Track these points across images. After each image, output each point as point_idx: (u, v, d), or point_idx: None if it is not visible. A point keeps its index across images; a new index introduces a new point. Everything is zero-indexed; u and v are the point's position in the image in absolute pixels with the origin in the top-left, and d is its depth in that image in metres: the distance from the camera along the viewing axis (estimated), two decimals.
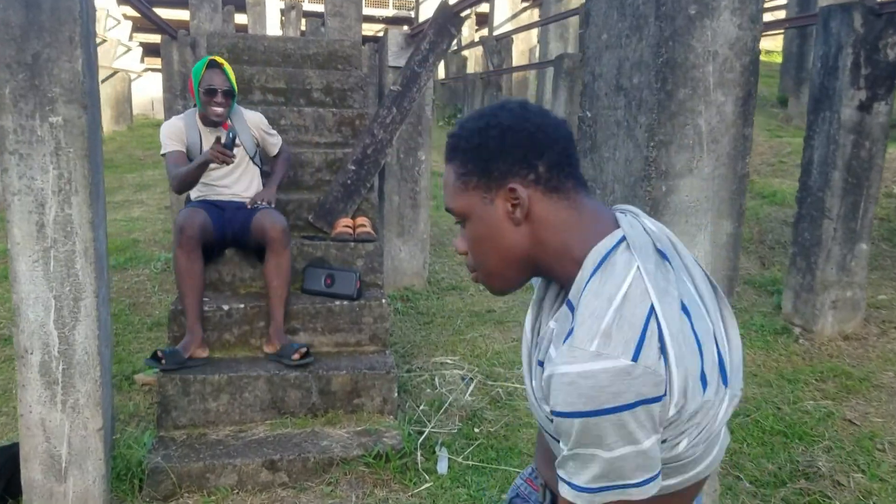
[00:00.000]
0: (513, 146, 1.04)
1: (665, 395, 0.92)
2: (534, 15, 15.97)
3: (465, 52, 17.26)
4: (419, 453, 3.23)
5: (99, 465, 2.74)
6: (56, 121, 2.54)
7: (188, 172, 3.49)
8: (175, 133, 3.67)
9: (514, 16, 16.05)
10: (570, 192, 1.06)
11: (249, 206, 3.62)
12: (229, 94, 3.58)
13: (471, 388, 3.87)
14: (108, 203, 9.40)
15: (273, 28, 15.42)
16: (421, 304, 5.21)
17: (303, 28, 14.32)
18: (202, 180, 3.71)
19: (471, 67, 16.62)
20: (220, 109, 3.56)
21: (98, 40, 14.77)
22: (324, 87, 5.07)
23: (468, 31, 18.64)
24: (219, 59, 3.59)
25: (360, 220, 4.08)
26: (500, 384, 3.89)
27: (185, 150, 3.66)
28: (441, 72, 18.13)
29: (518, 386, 3.86)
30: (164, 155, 3.66)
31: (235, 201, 3.72)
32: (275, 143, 3.89)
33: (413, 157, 5.50)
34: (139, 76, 18.37)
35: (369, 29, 19.49)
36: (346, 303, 3.65)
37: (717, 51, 1.81)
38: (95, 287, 2.66)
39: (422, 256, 5.59)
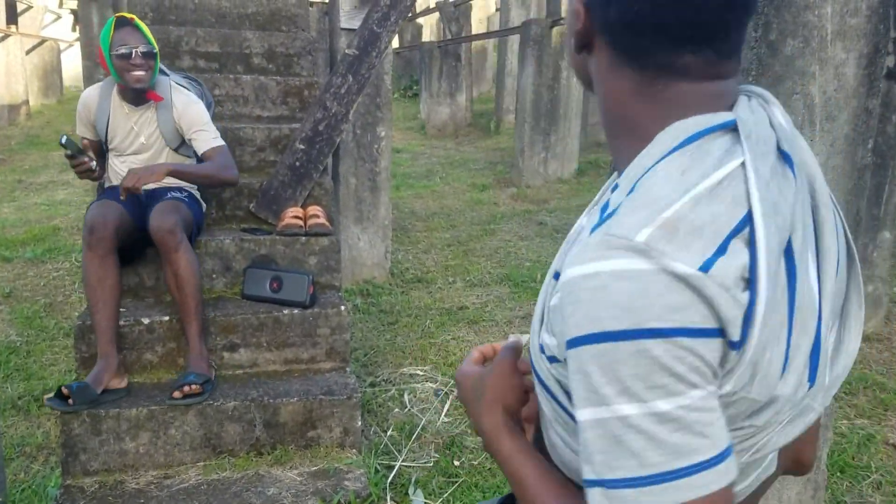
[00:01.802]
0: None
1: (736, 341, 0.59)
2: None
3: (420, 20, 16.49)
4: (389, 496, 2.65)
5: None
6: None
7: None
8: (83, 112, 3.02)
9: None
10: (666, 73, 0.69)
11: (122, 196, 2.78)
12: (150, 56, 2.89)
13: (446, 406, 3.28)
14: (30, 185, 8.54)
15: None
16: (383, 301, 4.59)
17: None
18: (118, 160, 3.03)
19: (426, 36, 15.89)
20: (140, 73, 2.86)
21: (23, 6, 13.62)
22: (265, 52, 4.38)
23: None
24: (127, 15, 2.89)
25: (313, 209, 3.43)
26: None
27: (93, 137, 3.01)
28: (395, 41, 17.34)
29: None
30: None
31: (153, 190, 3.03)
32: (199, 145, 3.01)
33: (371, 134, 4.85)
34: (70, 45, 17.14)
35: None
36: (296, 311, 3.01)
37: None
38: None
39: (383, 245, 4.96)
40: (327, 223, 3.34)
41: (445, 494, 2.68)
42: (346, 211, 4.82)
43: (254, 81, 4.08)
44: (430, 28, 16.22)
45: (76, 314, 4.48)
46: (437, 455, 2.93)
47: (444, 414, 3.22)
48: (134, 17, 2.90)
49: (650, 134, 0.69)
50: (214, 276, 3.20)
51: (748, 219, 0.61)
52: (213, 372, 2.87)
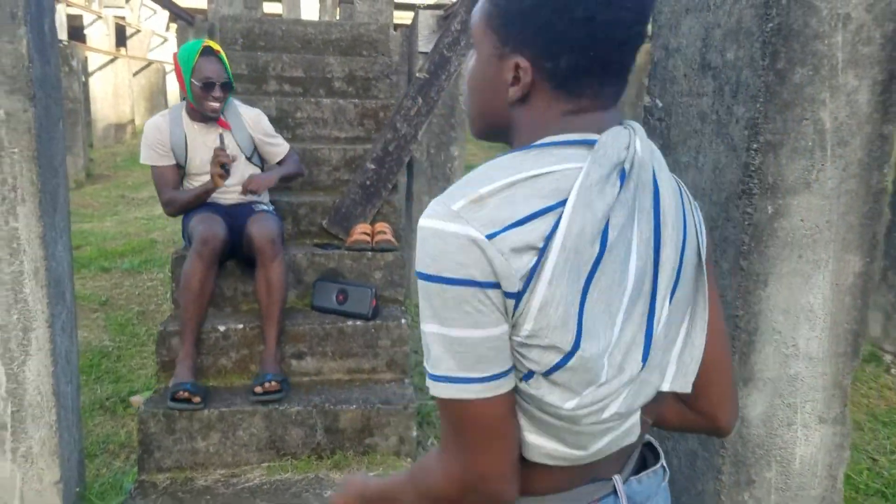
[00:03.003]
0: (550, 21, 0.81)
1: (513, 292, 0.76)
2: None
3: None
4: None
5: None
6: None
7: (188, 202, 3.12)
8: (156, 140, 3.17)
9: None
10: (583, 99, 0.84)
11: (242, 193, 3.19)
12: (227, 87, 3.11)
13: None
14: (132, 200, 9.10)
15: (310, 15, 15.01)
16: None
17: (338, 16, 13.88)
18: (197, 180, 3.25)
19: None
20: (217, 105, 3.09)
21: (132, 31, 14.54)
22: (346, 76, 4.58)
23: None
24: (213, 45, 3.11)
25: (380, 226, 3.58)
26: None
27: (172, 162, 3.20)
28: None
29: None
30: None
31: (238, 204, 3.25)
32: (278, 151, 3.37)
33: (445, 153, 4.98)
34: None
35: (406, 17, 18.97)
36: (359, 323, 3.15)
37: (850, 13, 1.26)
38: (49, 314, 2.21)
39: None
40: (393, 240, 3.48)
41: None
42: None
43: (333, 104, 4.28)
44: None
45: None
46: None
47: None
48: (218, 47, 3.11)
49: (530, 138, 0.88)
50: (288, 287, 3.37)
51: (561, 206, 0.77)
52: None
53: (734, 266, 1.31)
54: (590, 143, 0.82)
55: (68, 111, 9.98)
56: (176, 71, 3.14)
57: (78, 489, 2.48)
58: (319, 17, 14.64)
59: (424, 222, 0.79)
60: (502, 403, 0.80)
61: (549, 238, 0.76)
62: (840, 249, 1.34)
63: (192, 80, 3.04)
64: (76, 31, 14.53)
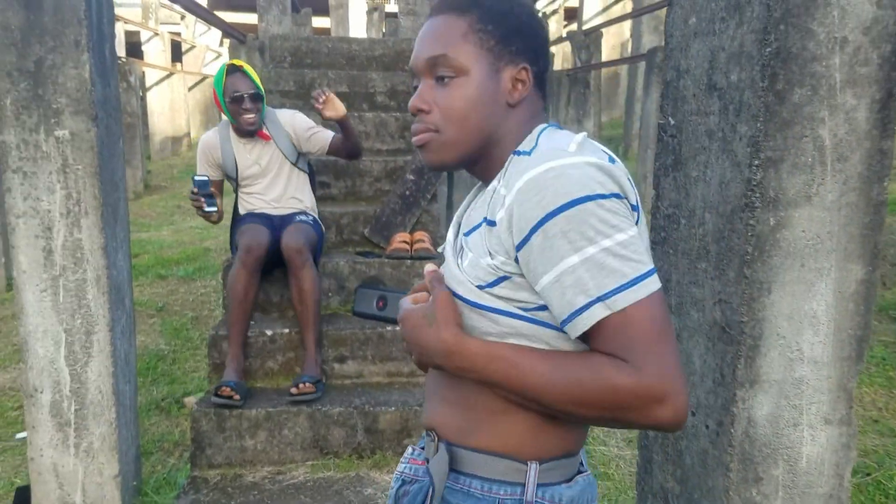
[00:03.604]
0: (535, 31, 1.06)
1: (633, 204, 0.93)
2: (626, 7, 15.24)
3: (553, 49, 16.69)
4: None
5: None
6: (62, 134, 2.27)
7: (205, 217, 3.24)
8: (208, 154, 3.41)
9: (606, 9, 15.37)
10: (545, 96, 1.08)
11: (324, 118, 3.28)
12: (257, 98, 3.28)
13: None
14: (187, 210, 9.41)
15: (358, 31, 15.29)
16: None
17: (384, 30, 14.12)
18: (245, 191, 3.43)
19: (559, 64, 16.04)
20: (251, 116, 3.26)
21: (187, 46, 15.01)
22: (388, 91, 4.73)
23: (556, 26, 18.03)
24: (237, 63, 3.29)
25: (419, 234, 3.71)
26: (596, 448, 3.42)
27: (220, 177, 3.43)
28: None
29: (622, 453, 3.39)
30: None
31: (284, 215, 3.41)
32: (323, 136, 3.46)
33: None
34: None
35: None
36: (398, 328, 3.27)
37: (847, 37, 1.33)
38: (109, 319, 2.38)
39: None
40: (432, 248, 3.60)
41: None
42: None
43: (375, 118, 4.43)
44: (562, 56, 16.35)
45: None
46: None
47: None
48: (243, 63, 3.29)
49: (522, 137, 1.03)
50: (330, 294, 3.52)
51: (612, 160, 0.93)
52: (323, 377, 3.18)
53: (738, 275, 1.39)
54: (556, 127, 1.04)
55: (127, 125, 10.39)
56: (213, 97, 3.33)
57: (135, 483, 2.65)
58: (367, 32, 14.93)
59: (553, 164, 0.88)
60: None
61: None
62: (842, 259, 1.41)
63: (225, 98, 3.22)
64: (134, 48, 15.08)
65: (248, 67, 3.29)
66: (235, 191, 3.48)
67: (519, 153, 0.98)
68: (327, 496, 2.80)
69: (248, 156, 3.37)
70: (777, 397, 1.42)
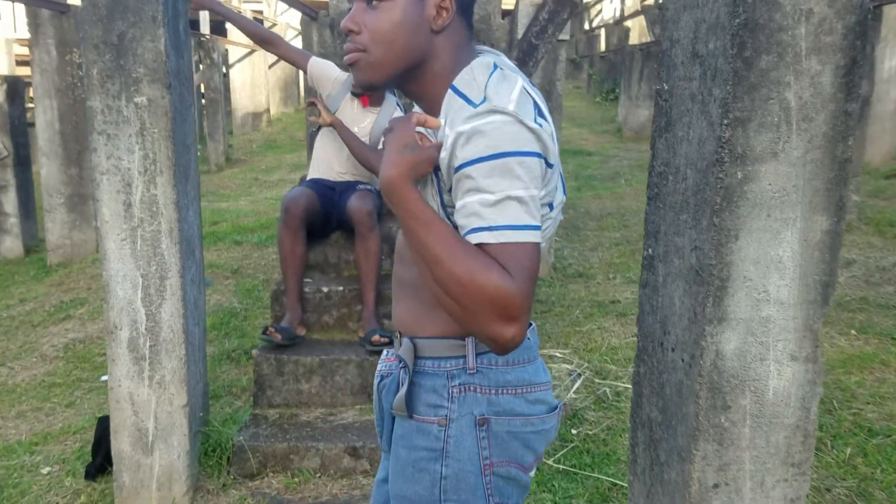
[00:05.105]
0: None
1: (551, 163, 1.13)
2: None
3: (628, 23, 16.48)
4: None
5: (183, 440, 2.80)
6: (141, 101, 2.57)
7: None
8: (331, 80, 3.68)
9: None
10: (470, 23, 1.21)
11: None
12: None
13: (577, 384, 3.61)
14: (264, 182, 9.88)
15: None
16: (541, 292, 4.97)
17: None
18: (322, 143, 3.70)
19: (634, 38, 15.84)
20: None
21: (268, 25, 15.52)
22: None
23: (631, 1, 17.77)
24: None
25: None
26: (608, 383, 3.60)
27: (325, 92, 3.70)
28: (602, 44, 17.44)
29: (628, 387, 3.55)
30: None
31: (346, 181, 3.68)
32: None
33: None
34: None
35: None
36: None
37: (813, 8, 1.46)
38: (180, 267, 2.69)
39: (547, 242, 5.32)
40: None
41: (557, 455, 3.03)
42: None
43: None
44: (638, 30, 16.14)
45: None
46: None
47: (572, 391, 3.55)
48: None
49: (461, 65, 1.16)
50: (383, 257, 3.78)
51: (538, 107, 1.12)
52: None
53: (709, 223, 1.56)
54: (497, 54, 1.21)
55: (210, 101, 10.92)
56: None
57: (201, 414, 2.98)
58: None
59: (492, 119, 1.05)
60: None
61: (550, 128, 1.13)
62: (807, 210, 1.55)
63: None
64: (218, 26, 15.70)
65: None
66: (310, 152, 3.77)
67: (462, 96, 1.12)
68: (372, 435, 3.06)
69: (351, 109, 3.63)
70: (744, 334, 1.59)
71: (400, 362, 1.27)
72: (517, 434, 1.24)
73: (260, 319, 4.84)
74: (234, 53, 12.90)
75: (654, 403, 1.81)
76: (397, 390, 1.26)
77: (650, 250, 1.84)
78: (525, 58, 3.98)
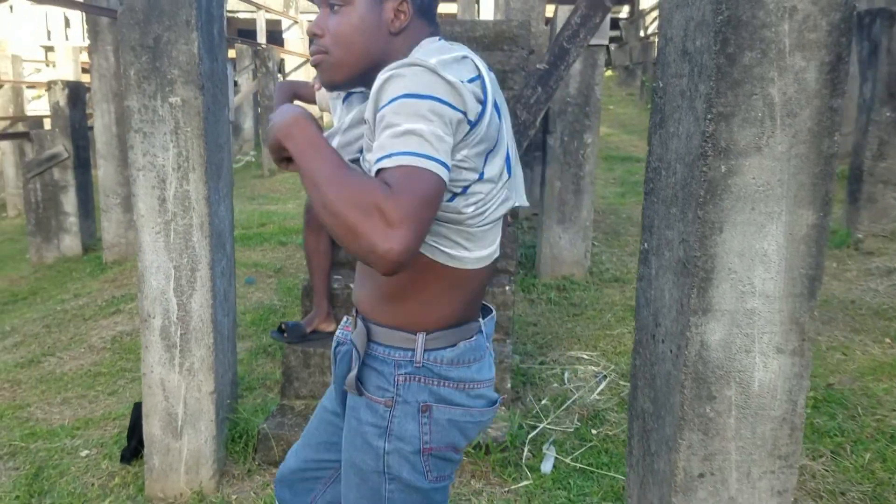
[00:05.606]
0: None
1: (472, 121, 1.14)
2: None
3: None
4: (526, 449, 3.09)
5: (210, 426, 2.92)
6: (175, 101, 2.71)
7: None
8: (330, 95, 3.79)
9: None
10: (433, 24, 1.31)
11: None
12: None
13: (601, 386, 3.63)
14: None
15: (487, 13, 15.57)
16: (576, 296, 4.99)
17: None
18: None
19: None
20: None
21: None
22: None
23: None
24: None
25: None
26: None
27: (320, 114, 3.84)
28: (656, 51, 17.21)
29: None
30: None
31: None
32: None
33: (578, 140, 5.27)
34: None
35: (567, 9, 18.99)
36: None
37: (797, 6, 1.48)
38: (210, 259, 2.82)
39: (583, 245, 5.35)
40: (509, 217, 3.86)
41: (576, 453, 3.06)
42: (549, 212, 5.29)
43: None
44: None
45: None
46: (579, 423, 3.31)
47: (596, 393, 3.57)
48: None
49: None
50: None
51: (480, 78, 1.18)
52: None
53: (694, 216, 1.59)
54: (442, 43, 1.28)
55: (264, 108, 11.21)
56: None
57: (229, 401, 3.10)
58: (494, 15, 15.18)
59: (410, 68, 1.09)
60: (443, 189, 1.08)
61: (484, 95, 1.17)
62: (792, 204, 1.57)
63: None
64: (275, 36, 16.09)
65: None
66: None
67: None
68: None
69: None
70: (729, 325, 1.61)
71: (355, 319, 1.37)
72: (457, 423, 1.32)
73: (298, 316, 4.97)
74: (290, 63, 13.23)
75: (647, 395, 1.85)
76: (349, 366, 1.36)
77: (645, 244, 1.88)
78: (556, 61, 4.02)
